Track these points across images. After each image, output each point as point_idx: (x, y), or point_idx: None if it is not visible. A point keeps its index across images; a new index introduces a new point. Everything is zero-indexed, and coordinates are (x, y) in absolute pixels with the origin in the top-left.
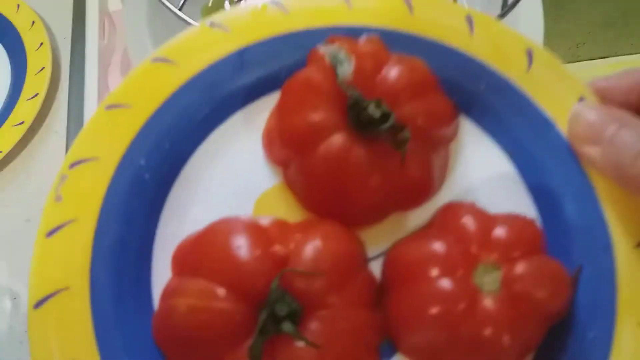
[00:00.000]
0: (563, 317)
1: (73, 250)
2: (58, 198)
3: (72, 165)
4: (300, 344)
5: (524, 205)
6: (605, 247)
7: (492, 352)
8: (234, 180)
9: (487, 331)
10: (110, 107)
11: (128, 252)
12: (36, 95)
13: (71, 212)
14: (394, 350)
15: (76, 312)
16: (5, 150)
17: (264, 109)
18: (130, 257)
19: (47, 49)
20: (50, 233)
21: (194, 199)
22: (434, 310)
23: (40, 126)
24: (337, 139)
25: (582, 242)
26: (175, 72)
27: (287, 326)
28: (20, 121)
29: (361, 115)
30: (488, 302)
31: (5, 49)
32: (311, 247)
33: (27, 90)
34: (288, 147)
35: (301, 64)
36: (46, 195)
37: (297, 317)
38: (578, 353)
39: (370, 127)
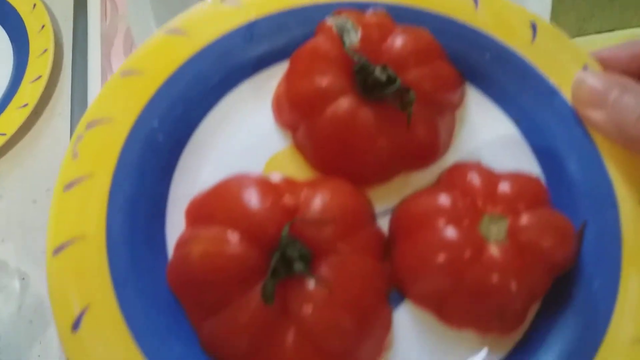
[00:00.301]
0: (569, 268)
1: (89, 202)
2: (75, 155)
3: (88, 126)
4: (311, 285)
5: (528, 166)
6: (610, 204)
7: (498, 298)
8: (244, 143)
9: (494, 277)
10: (125, 73)
11: (143, 206)
12: (39, 77)
13: (87, 168)
14: (401, 298)
15: (93, 258)
16: (10, 133)
17: (273, 76)
18: (144, 211)
19: (49, 31)
20: (67, 187)
21: (206, 160)
22: (440, 257)
23: (44, 108)
24: (345, 102)
25: (586, 199)
26: (188, 42)
27: (298, 266)
28: (24, 103)
29: (368, 80)
30: (494, 251)
31: (7, 32)
32: (320, 199)
33: (30, 73)
34: (297, 110)
35: (309, 37)
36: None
37: (307, 262)
38: (584, 301)
39: (376, 91)
